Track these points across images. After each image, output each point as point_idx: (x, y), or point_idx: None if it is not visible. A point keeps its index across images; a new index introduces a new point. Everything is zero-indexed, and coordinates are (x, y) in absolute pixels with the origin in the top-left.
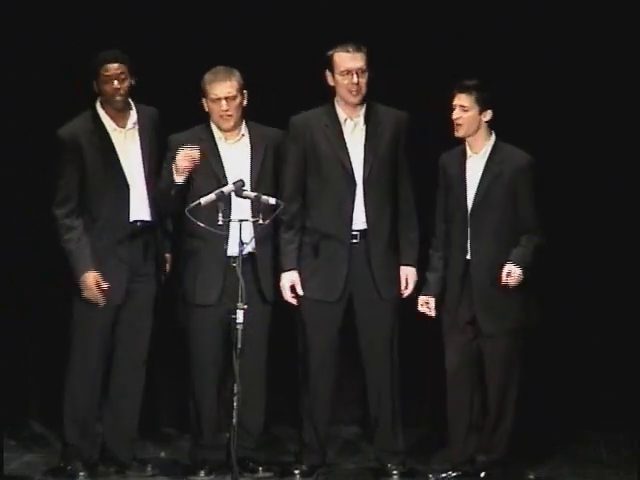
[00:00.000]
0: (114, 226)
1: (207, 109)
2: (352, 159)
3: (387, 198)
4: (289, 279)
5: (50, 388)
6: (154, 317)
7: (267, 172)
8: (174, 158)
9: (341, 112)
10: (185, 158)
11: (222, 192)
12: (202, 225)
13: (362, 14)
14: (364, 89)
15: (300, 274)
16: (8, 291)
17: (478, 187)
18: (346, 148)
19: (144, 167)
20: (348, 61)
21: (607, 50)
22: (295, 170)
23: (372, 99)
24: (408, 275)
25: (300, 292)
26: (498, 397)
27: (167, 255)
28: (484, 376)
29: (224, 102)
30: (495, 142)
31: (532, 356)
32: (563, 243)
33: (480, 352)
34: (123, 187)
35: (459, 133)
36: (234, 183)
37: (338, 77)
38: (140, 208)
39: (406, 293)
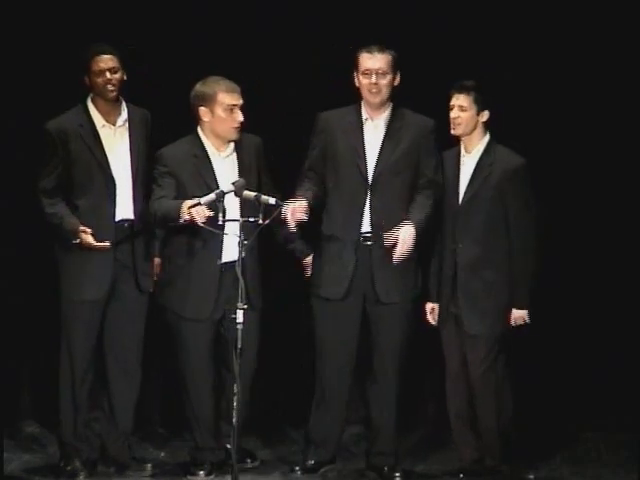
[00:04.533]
0: (100, 222)
1: (208, 118)
2: (368, 160)
3: (398, 203)
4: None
5: (49, 388)
6: (145, 318)
7: (252, 182)
8: (168, 173)
9: (364, 112)
10: (200, 216)
11: (222, 192)
12: (203, 225)
13: (358, 14)
14: (384, 90)
15: (312, 273)
16: (4, 291)
17: (467, 188)
18: (363, 148)
19: (132, 166)
20: (368, 61)
21: (608, 49)
22: (316, 155)
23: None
24: (401, 232)
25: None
26: (479, 399)
27: (157, 259)
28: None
29: (239, 112)
30: (489, 143)
31: (532, 356)
32: (564, 243)
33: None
34: (109, 183)
35: (456, 132)
36: (233, 183)
37: (360, 77)
38: (126, 207)
39: (396, 254)
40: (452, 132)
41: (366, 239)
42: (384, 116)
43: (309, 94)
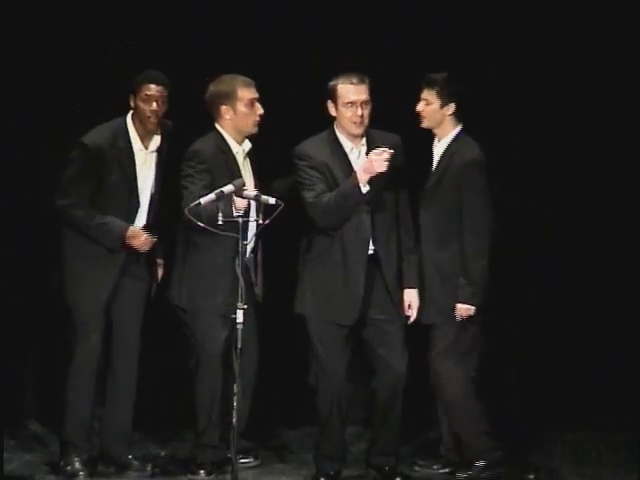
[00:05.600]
0: None
1: (230, 116)
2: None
3: (393, 222)
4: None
5: (49, 388)
6: (144, 317)
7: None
8: (205, 171)
9: (345, 141)
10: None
11: (222, 192)
12: (202, 225)
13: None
14: (367, 120)
15: (316, 297)
16: (4, 291)
17: (430, 177)
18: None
19: (154, 186)
20: (352, 93)
21: (606, 47)
22: (322, 189)
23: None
24: (411, 298)
25: None
26: (438, 395)
27: (159, 260)
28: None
29: (259, 105)
30: (457, 134)
31: (532, 356)
32: (564, 243)
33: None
34: (134, 208)
35: (423, 124)
36: (234, 183)
37: (342, 108)
38: (140, 219)
39: (412, 316)
40: (421, 125)
41: (371, 259)
42: (364, 141)
43: (309, 94)
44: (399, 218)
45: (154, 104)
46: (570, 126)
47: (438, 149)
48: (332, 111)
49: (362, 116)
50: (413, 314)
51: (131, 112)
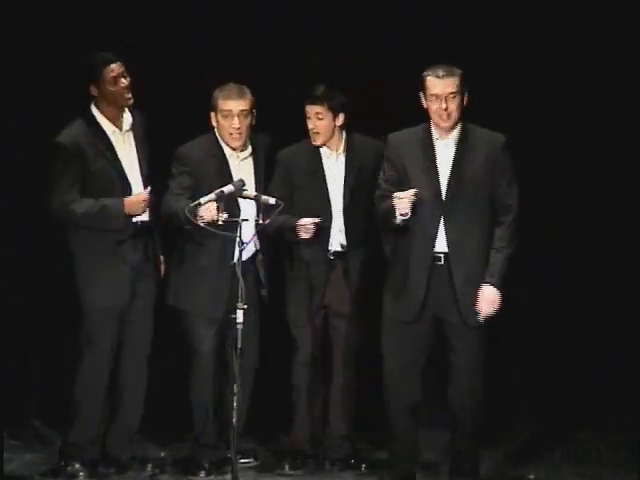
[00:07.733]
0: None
1: (215, 124)
2: (440, 179)
3: (474, 220)
4: None
5: (51, 388)
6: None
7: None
8: (187, 173)
9: (434, 132)
10: (209, 214)
11: (222, 192)
12: (202, 225)
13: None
14: (455, 114)
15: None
16: (4, 291)
17: (344, 186)
18: (435, 168)
19: (141, 168)
20: (437, 86)
21: (606, 47)
22: (393, 176)
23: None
24: (484, 293)
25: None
26: None
27: (161, 257)
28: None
29: (236, 119)
30: (348, 138)
31: (532, 356)
32: (564, 243)
33: None
34: (126, 189)
35: (318, 141)
36: (234, 183)
37: (428, 101)
38: None
39: (481, 313)
40: (314, 143)
41: (440, 259)
42: (454, 134)
43: (309, 94)
44: (498, 220)
45: (122, 81)
46: (570, 126)
47: (336, 159)
48: (423, 103)
49: (447, 109)
50: (483, 310)
51: (93, 102)
